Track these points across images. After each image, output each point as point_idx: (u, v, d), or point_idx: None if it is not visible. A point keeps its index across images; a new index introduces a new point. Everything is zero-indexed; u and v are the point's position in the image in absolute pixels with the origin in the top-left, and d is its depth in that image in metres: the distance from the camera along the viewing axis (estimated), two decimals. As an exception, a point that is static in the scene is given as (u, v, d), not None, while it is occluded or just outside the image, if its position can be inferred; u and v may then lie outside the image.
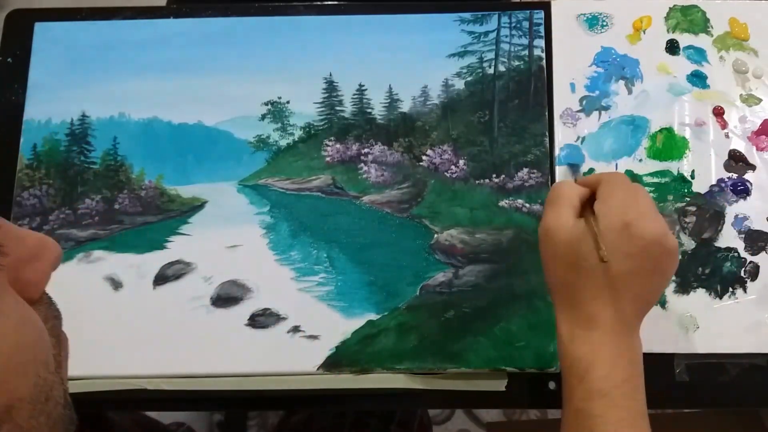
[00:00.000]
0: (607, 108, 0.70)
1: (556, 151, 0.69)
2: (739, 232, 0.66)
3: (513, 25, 0.72)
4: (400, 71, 0.72)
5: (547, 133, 0.69)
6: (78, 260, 0.67)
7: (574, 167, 0.68)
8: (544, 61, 0.71)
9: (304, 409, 0.75)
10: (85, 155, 0.70)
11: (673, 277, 0.65)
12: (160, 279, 0.66)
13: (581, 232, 0.51)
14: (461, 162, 0.69)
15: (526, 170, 0.68)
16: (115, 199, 0.69)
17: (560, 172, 0.68)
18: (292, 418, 0.96)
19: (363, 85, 0.72)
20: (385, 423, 0.85)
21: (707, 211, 0.67)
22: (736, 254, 0.65)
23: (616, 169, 0.68)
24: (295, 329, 0.64)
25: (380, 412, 0.86)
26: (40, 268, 0.35)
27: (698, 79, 0.70)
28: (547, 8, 0.73)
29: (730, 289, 0.65)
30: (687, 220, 0.67)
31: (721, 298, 0.64)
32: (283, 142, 0.71)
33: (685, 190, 0.67)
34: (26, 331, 0.31)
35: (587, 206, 0.54)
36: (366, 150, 0.70)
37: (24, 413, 0.30)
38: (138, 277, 0.66)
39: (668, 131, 0.69)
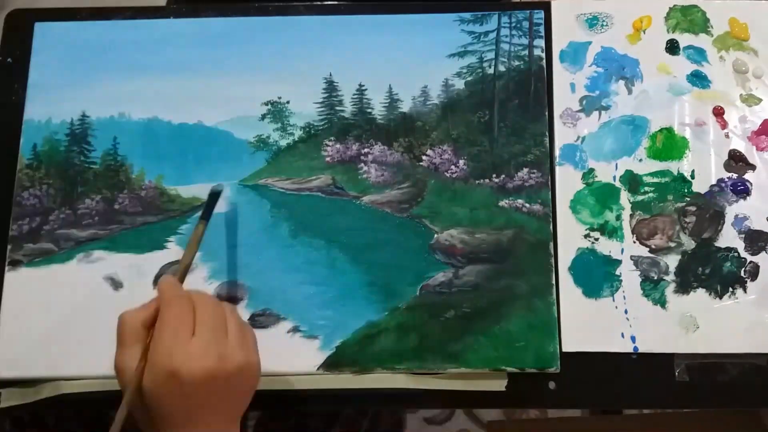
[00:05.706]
0: (607, 108, 0.70)
1: (556, 151, 0.69)
2: (739, 232, 0.66)
3: (513, 25, 0.72)
4: (400, 71, 0.72)
5: (547, 133, 0.69)
6: (78, 260, 0.67)
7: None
8: (544, 61, 0.71)
9: (304, 409, 0.75)
10: (85, 155, 0.70)
11: (673, 277, 0.65)
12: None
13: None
14: (461, 162, 0.69)
15: (526, 170, 0.68)
16: (115, 199, 0.69)
17: (560, 172, 0.68)
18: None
19: (363, 85, 0.72)
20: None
21: (707, 211, 0.67)
22: (736, 254, 0.65)
23: (616, 169, 0.68)
24: (295, 329, 0.64)
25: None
26: None
27: (698, 79, 0.70)
28: (547, 8, 0.73)
29: (730, 289, 0.65)
30: (687, 220, 0.67)
31: (721, 298, 0.64)
32: (283, 142, 0.71)
33: (685, 190, 0.67)
34: None
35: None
36: (366, 150, 0.70)
37: None
38: (138, 277, 0.66)
39: (668, 131, 0.69)
